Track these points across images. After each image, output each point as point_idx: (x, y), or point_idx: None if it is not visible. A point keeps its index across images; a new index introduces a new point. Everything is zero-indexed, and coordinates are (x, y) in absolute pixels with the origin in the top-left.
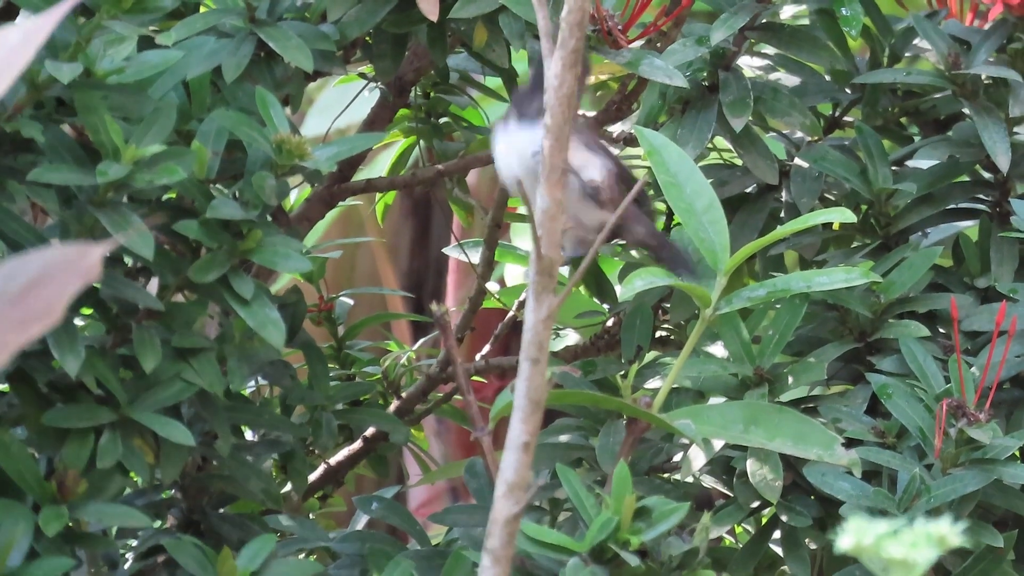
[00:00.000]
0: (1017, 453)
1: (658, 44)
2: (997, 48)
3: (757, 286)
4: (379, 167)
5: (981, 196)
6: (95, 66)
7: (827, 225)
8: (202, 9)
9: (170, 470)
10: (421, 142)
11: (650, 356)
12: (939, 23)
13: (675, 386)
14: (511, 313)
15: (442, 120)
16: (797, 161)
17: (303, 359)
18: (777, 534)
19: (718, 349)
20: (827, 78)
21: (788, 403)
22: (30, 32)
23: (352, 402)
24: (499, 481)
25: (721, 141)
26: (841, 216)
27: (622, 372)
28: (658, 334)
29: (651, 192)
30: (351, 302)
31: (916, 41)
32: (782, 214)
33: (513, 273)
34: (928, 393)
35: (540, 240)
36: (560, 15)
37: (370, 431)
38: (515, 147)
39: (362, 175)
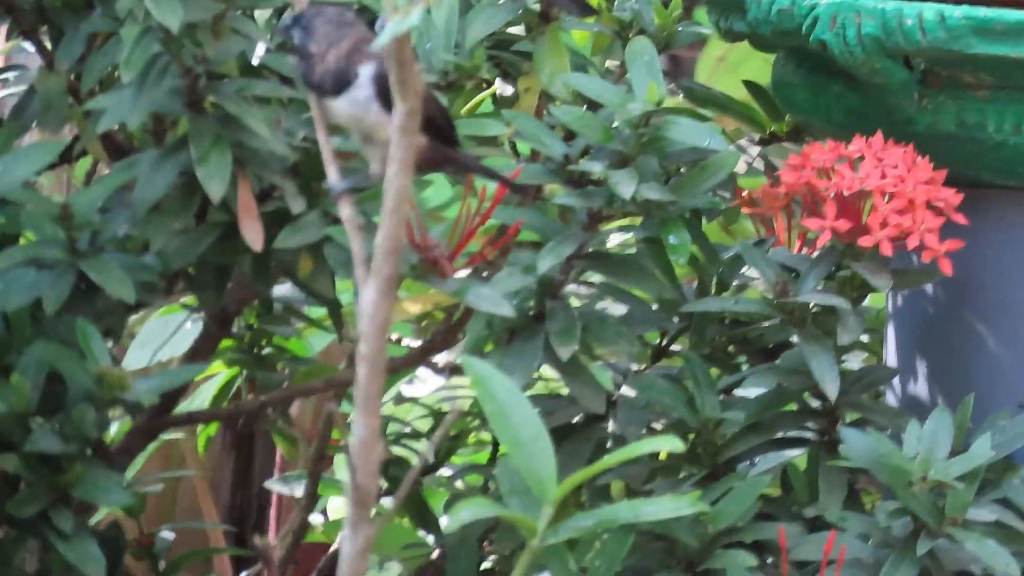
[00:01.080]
0: None
1: (484, 273)
2: (825, 275)
3: (584, 516)
4: (201, 398)
5: (809, 425)
6: None
7: (654, 454)
8: (22, 241)
9: None
10: (244, 373)
11: None
12: (767, 251)
13: None
14: (334, 546)
15: (266, 351)
16: (624, 390)
17: None
18: None
19: None
20: (654, 307)
21: None
22: None
23: None
24: None
25: (548, 370)
26: (668, 445)
27: None
28: (484, 566)
29: (476, 421)
30: (172, 536)
31: (744, 269)
32: (609, 444)
33: (336, 505)
34: None
35: (355, 470)
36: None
37: None
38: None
39: (184, 407)
